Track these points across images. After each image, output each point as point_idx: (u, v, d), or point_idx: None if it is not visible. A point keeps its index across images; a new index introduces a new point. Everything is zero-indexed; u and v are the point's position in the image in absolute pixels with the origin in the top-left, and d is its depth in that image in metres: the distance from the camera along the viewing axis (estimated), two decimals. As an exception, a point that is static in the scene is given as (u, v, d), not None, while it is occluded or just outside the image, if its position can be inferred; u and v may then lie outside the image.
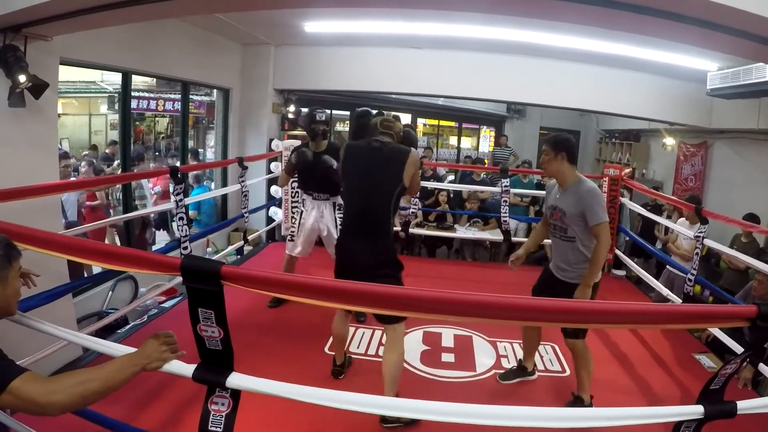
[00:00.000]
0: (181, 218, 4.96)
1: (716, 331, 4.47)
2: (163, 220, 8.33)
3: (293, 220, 5.20)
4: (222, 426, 1.92)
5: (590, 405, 3.56)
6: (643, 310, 1.98)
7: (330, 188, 4.90)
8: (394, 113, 3.54)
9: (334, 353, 3.88)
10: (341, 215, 4.55)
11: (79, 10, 3.29)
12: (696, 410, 1.93)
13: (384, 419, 3.17)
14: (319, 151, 4.70)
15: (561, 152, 3.51)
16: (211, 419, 1.92)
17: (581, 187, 3.47)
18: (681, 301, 5.11)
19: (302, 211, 5.07)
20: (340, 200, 4.93)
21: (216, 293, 1.74)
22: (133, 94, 7.19)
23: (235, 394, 1.93)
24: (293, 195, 6.79)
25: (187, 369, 1.91)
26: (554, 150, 3.52)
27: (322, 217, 4.98)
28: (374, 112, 3.55)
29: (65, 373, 1.72)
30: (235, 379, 1.90)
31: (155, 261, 1.90)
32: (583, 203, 3.41)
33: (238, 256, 6.83)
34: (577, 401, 3.61)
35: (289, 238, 5.23)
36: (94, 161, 8.38)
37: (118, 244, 6.92)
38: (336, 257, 3.50)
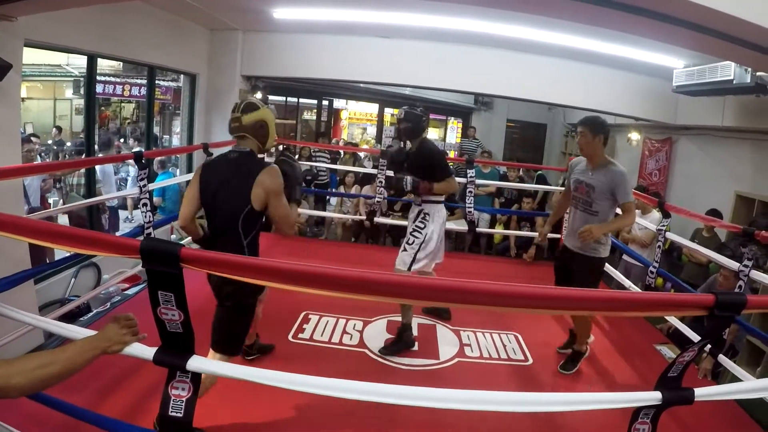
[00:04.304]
0: (144, 204, 4.87)
1: (677, 323, 4.57)
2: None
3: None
4: (182, 411, 1.90)
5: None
6: (602, 296, 2.00)
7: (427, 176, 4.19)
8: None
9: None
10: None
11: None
12: (654, 396, 1.96)
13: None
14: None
15: (600, 134, 3.75)
16: (171, 404, 1.91)
17: (614, 168, 3.74)
18: (640, 290, 5.20)
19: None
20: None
21: (175, 276, 1.72)
22: (99, 78, 7.04)
23: (196, 379, 1.92)
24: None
25: (148, 352, 1.88)
26: (593, 132, 3.75)
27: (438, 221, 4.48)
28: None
29: (25, 356, 1.68)
30: (195, 362, 1.89)
31: (115, 243, 1.86)
32: (614, 183, 3.69)
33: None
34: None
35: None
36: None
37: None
38: None
